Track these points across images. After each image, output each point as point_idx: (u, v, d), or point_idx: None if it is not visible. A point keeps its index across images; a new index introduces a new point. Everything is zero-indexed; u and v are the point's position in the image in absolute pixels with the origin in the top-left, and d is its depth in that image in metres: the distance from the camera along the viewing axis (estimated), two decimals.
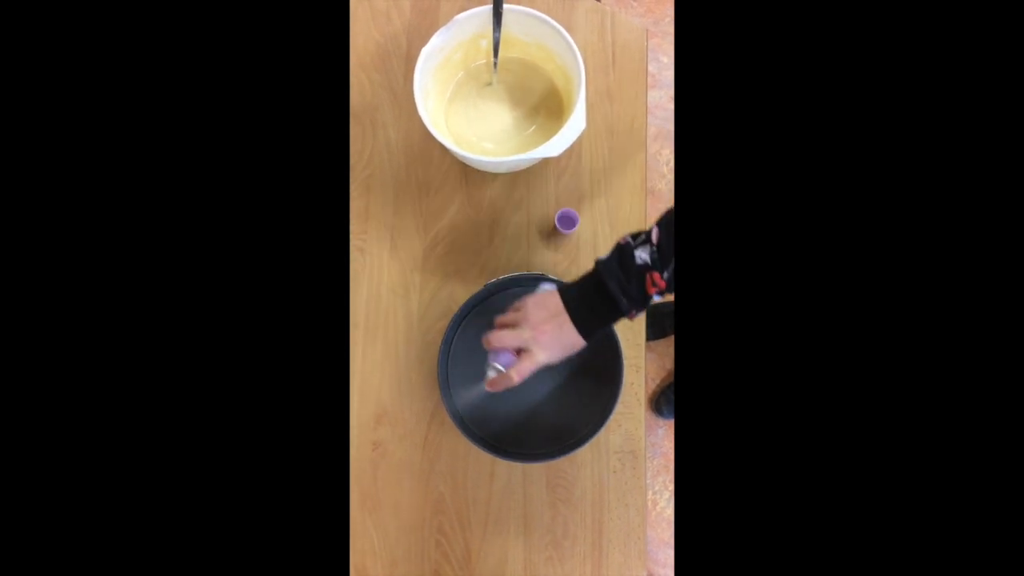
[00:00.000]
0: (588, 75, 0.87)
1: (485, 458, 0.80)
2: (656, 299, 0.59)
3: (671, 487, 1.53)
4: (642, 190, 0.86)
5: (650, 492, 1.53)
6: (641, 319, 0.82)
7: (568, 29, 0.78)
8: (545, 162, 0.86)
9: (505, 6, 0.78)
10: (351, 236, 0.85)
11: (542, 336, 0.61)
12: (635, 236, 0.60)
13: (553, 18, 0.78)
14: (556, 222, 0.82)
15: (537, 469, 0.80)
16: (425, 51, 0.77)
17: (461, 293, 0.84)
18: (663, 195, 1.62)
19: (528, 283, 0.80)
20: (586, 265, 0.85)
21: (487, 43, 0.84)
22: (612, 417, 0.74)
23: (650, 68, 0.91)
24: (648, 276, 0.58)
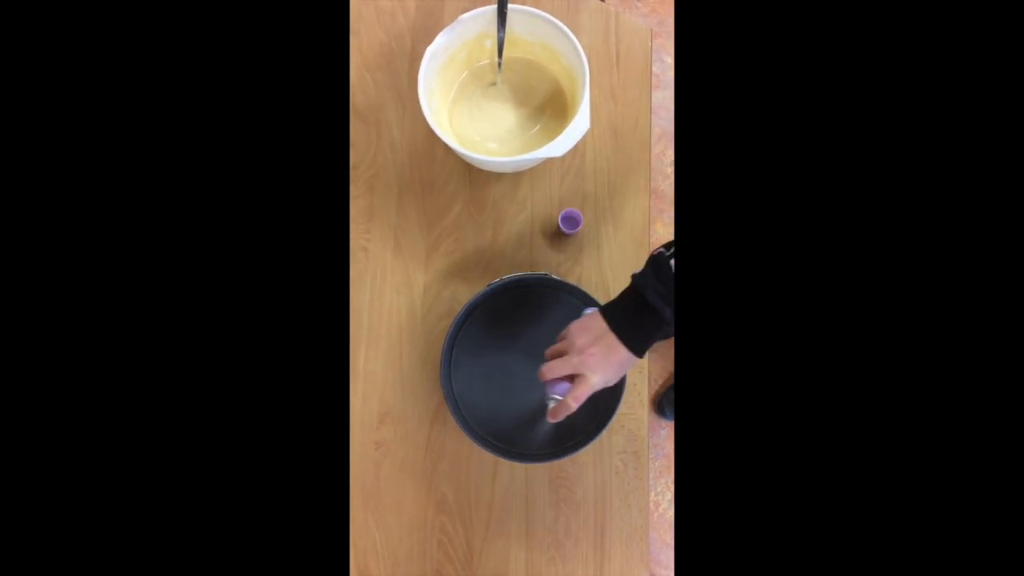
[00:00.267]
0: (592, 75, 0.87)
1: (488, 458, 0.80)
2: None
3: (673, 488, 1.53)
4: (646, 190, 0.86)
5: (652, 493, 1.53)
6: None
7: (573, 29, 0.78)
8: (549, 162, 0.86)
9: (510, 6, 0.78)
10: (355, 236, 0.85)
11: (590, 359, 0.61)
12: (667, 246, 0.60)
13: (558, 18, 0.78)
14: (560, 222, 0.82)
15: (540, 469, 0.80)
16: (430, 50, 0.77)
17: (464, 293, 0.84)
18: (667, 195, 1.62)
19: (531, 283, 0.80)
20: (590, 265, 0.85)
21: (492, 43, 0.84)
22: (615, 418, 0.73)
23: (654, 68, 0.91)
24: None
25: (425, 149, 0.87)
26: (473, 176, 0.87)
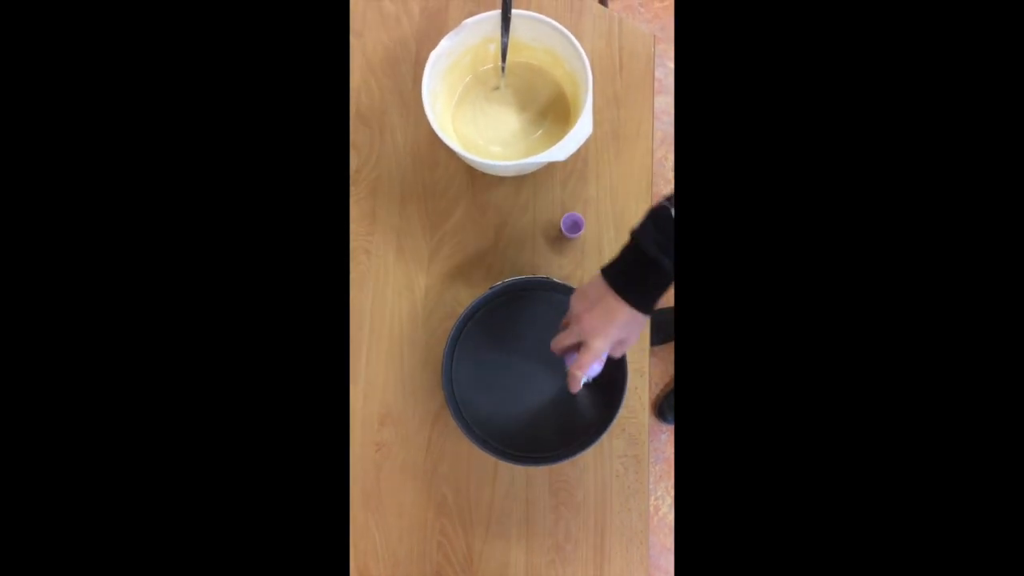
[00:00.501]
0: (595, 80, 0.87)
1: (488, 461, 0.81)
2: None
3: (674, 492, 1.53)
4: (648, 195, 0.86)
5: (652, 497, 1.53)
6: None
7: (576, 35, 0.78)
8: (551, 166, 0.87)
9: (514, 11, 0.79)
10: (358, 238, 0.86)
11: (589, 324, 0.60)
12: (669, 199, 0.58)
13: (561, 23, 0.78)
14: (562, 226, 0.83)
15: (540, 472, 0.80)
16: (434, 54, 0.77)
17: (466, 295, 0.84)
18: None
19: (533, 287, 0.81)
20: (591, 269, 0.85)
21: (495, 47, 0.85)
22: (615, 421, 0.74)
23: (657, 74, 0.92)
24: None
25: (428, 152, 0.88)
26: (476, 180, 0.87)
